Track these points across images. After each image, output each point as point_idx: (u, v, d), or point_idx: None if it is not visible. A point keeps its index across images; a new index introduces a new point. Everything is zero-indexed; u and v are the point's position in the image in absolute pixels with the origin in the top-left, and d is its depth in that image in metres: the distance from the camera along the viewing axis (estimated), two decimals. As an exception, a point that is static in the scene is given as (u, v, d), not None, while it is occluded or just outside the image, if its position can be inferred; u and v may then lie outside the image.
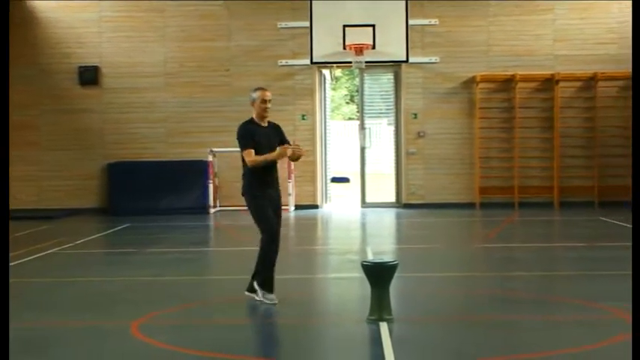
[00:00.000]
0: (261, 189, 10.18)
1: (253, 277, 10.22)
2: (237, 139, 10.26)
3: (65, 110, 23.47)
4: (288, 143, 10.44)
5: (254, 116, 10.32)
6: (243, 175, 10.35)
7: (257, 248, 10.10)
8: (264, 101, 10.22)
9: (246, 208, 10.28)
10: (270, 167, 10.28)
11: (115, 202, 22.99)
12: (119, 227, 19.64)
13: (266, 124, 10.34)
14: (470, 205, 23.10)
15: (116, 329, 9.05)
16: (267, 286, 10.08)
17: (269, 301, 9.96)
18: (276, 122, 10.59)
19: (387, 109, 24.55)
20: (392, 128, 24.61)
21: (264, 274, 10.09)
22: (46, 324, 9.19)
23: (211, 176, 22.78)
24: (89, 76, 23.40)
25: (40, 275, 12.80)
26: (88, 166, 23.47)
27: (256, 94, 10.29)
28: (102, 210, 23.17)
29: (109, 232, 19.16)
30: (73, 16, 23.52)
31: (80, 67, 23.43)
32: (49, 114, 23.39)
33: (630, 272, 12.37)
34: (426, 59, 23.27)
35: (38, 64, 23.34)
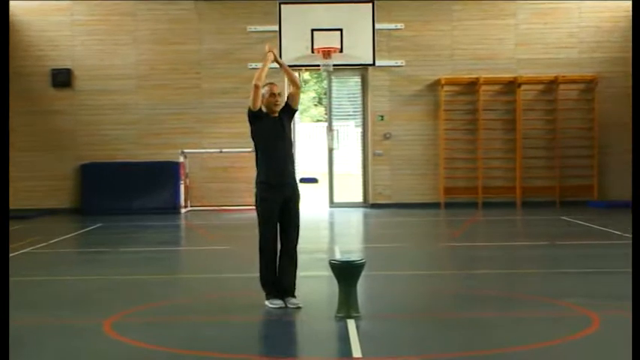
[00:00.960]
0: (272, 181, 9.66)
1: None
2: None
3: (38, 112, 23.31)
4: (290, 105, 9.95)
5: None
6: (256, 164, 9.81)
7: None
8: (272, 95, 9.72)
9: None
10: (281, 157, 9.70)
11: (88, 203, 22.86)
12: (92, 227, 19.52)
13: (277, 115, 9.76)
14: (435, 205, 23.15)
15: (89, 327, 8.97)
16: (272, 292, 9.68)
17: (272, 306, 9.61)
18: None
19: (355, 112, 24.55)
20: (359, 130, 24.62)
21: (263, 289, 9.76)
22: (19, 323, 9.08)
23: (182, 177, 22.71)
24: (62, 78, 23.25)
25: (13, 274, 12.62)
26: (62, 167, 23.32)
27: (265, 89, 9.70)
28: (75, 210, 23.04)
29: (82, 231, 19.04)
30: (46, 20, 23.37)
31: (53, 69, 23.28)
32: (23, 116, 23.16)
33: (591, 270, 12.49)
34: (392, 62, 23.29)
35: (11, 66, 23.06)
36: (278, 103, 9.76)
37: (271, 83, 9.81)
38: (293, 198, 9.90)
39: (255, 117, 9.72)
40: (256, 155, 9.82)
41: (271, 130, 9.70)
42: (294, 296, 9.75)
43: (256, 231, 9.80)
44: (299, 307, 9.59)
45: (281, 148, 9.73)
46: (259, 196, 9.73)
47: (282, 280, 9.74)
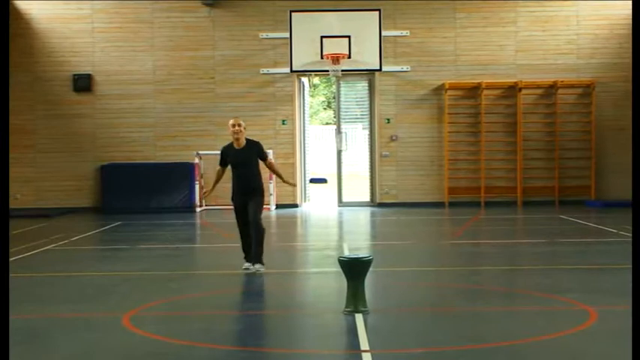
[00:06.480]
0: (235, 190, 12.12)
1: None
2: None
3: (61, 115, 23.34)
4: (266, 156, 12.40)
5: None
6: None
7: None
8: (232, 125, 12.04)
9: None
10: (242, 175, 12.05)
11: (108, 202, 22.89)
12: (112, 225, 19.54)
13: (241, 147, 12.06)
14: (439, 204, 23.12)
15: (108, 320, 8.98)
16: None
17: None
18: (256, 140, 12.31)
19: (362, 115, 24.53)
20: (366, 132, 24.60)
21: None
22: (42, 316, 9.10)
23: (197, 177, 22.74)
24: (83, 83, 23.29)
25: (37, 270, 12.70)
26: (82, 168, 23.36)
27: (229, 124, 12.12)
28: (95, 209, 23.07)
29: (102, 229, 19.04)
30: (68, 28, 23.40)
31: (74, 74, 23.31)
32: (46, 119, 23.25)
33: (589, 266, 12.45)
34: (398, 68, 23.27)
35: (34, 71, 23.20)
36: (235, 132, 11.99)
37: (234, 117, 12.37)
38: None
39: (221, 157, 12.27)
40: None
41: (233, 160, 12.08)
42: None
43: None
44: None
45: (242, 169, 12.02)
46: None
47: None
